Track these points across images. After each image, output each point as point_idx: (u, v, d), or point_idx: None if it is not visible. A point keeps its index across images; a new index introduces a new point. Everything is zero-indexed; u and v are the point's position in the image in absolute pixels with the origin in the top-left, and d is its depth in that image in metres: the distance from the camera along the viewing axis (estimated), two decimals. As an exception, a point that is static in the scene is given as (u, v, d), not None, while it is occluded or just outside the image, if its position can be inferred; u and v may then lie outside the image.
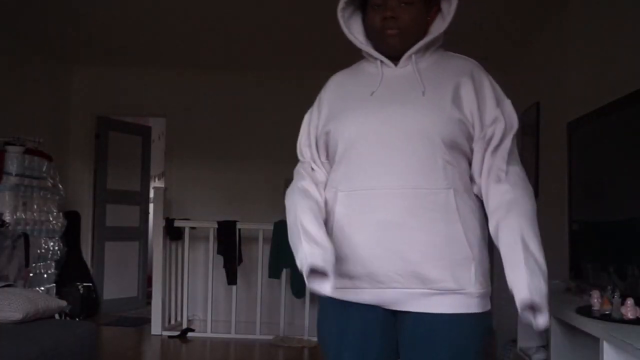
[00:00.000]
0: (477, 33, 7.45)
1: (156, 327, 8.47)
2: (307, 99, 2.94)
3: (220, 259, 8.47)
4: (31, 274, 7.16)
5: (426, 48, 2.49)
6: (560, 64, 6.64)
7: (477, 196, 2.45)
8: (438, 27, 2.50)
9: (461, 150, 2.39)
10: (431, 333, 2.35)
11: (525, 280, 2.32)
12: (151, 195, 10.43)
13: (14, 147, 7.18)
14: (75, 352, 4.91)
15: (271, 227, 8.25)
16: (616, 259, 4.38)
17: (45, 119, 9.02)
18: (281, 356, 7.61)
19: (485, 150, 2.41)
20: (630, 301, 3.80)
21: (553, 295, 5.19)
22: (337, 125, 2.46)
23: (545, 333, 5.01)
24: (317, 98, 2.65)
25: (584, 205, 5.07)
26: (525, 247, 2.33)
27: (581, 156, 5.17)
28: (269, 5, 7.00)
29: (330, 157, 2.53)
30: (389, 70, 2.49)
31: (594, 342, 3.75)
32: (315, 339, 7.43)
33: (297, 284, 8.05)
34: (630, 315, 3.75)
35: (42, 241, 7.55)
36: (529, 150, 7.40)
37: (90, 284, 9.38)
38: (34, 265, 7.27)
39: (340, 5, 2.54)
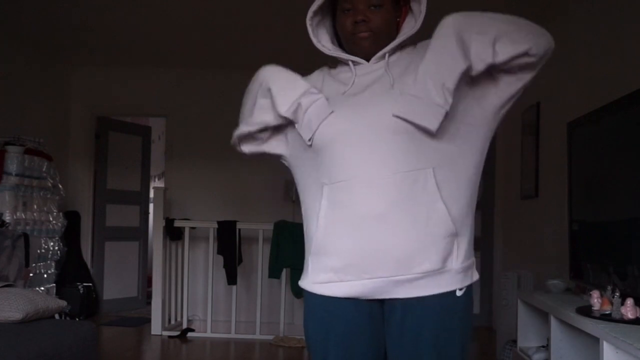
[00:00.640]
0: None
1: (156, 327, 8.47)
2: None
3: (220, 259, 8.47)
4: (31, 274, 7.17)
5: (399, 48, 2.49)
6: (560, 64, 6.64)
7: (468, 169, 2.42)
8: (410, 27, 2.50)
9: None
10: (419, 317, 2.35)
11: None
12: (151, 195, 10.43)
13: (14, 147, 7.18)
14: (75, 352, 4.90)
15: (271, 227, 8.25)
16: (616, 259, 4.38)
17: (45, 119, 9.03)
18: (281, 356, 7.61)
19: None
20: (630, 301, 3.80)
21: (553, 295, 5.20)
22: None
23: (546, 333, 5.02)
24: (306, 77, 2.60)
25: (584, 205, 5.07)
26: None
27: (581, 156, 5.16)
28: (271, 5, 7.01)
29: (292, 144, 2.57)
30: (361, 68, 2.48)
31: (594, 342, 3.75)
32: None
33: (297, 284, 8.04)
34: (630, 315, 3.75)
35: (42, 241, 7.55)
36: (529, 150, 7.40)
37: (90, 284, 9.39)
38: (34, 265, 7.27)
39: (309, 15, 2.54)
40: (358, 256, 2.33)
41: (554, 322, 4.60)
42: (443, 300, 2.35)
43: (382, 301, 2.41)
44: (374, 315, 2.43)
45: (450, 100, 2.22)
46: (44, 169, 7.60)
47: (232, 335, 8.44)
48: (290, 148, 2.60)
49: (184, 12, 7.29)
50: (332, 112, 2.37)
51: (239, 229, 8.46)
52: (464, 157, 2.38)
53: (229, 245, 8.40)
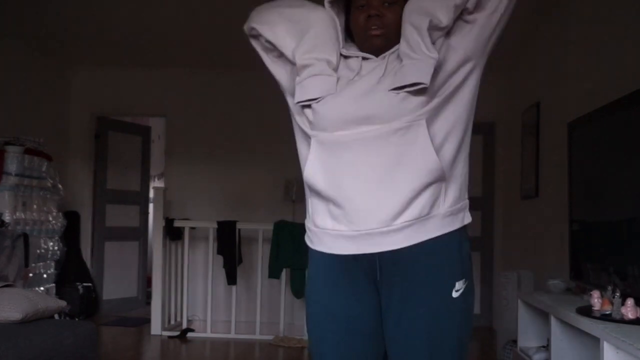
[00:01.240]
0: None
1: (156, 327, 8.47)
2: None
3: (220, 259, 8.47)
4: (31, 274, 7.16)
5: None
6: (561, 64, 6.64)
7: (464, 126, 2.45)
8: None
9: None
10: (408, 267, 2.36)
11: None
12: (151, 195, 10.44)
13: (14, 147, 7.17)
14: (75, 352, 4.91)
15: (271, 227, 8.25)
16: (616, 259, 4.38)
17: (45, 119, 9.03)
18: (281, 356, 7.61)
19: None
20: (630, 301, 3.80)
21: (553, 295, 5.20)
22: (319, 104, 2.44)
23: (546, 333, 5.02)
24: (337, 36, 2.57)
25: (584, 205, 5.07)
26: None
27: (581, 156, 5.17)
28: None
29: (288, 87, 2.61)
30: (368, 62, 2.47)
31: (594, 342, 3.75)
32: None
33: (297, 284, 8.06)
34: (630, 315, 3.75)
35: (42, 241, 7.55)
36: (529, 150, 7.41)
37: (90, 284, 9.39)
38: (33, 265, 7.27)
39: (327, 5, 2.53)
40: (351, 206, 2.35)
41: (554, 322, 4.61)
42: (431, 245, 2.36)
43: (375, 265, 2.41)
44: (369, 294, 2.44)
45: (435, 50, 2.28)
46: (43, 169, 7.60)
47: (232, 336, 8.43)
48: (289, 82, 2.61)
49: (184, 12, 7.29)
50: (332, 94, 2.38)
51: (239, 229, 8.46)
52: (455, 104, 2.41)
53: (229, 245, 8.40)
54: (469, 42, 2.42)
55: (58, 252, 7.92)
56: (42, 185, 7.59)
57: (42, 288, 7.33)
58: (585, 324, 3.87)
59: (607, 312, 3.93)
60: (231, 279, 8.40)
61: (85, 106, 9.88)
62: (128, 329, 8.84)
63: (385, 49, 2.45)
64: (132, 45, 8.75)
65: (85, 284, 9.18)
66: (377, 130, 2.31)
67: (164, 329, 8.49)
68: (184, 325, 8.66)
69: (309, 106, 2.44)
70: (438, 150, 2.32)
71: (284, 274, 8.28)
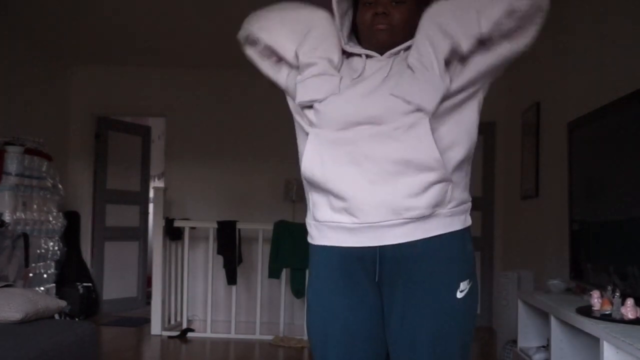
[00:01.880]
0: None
1: (156, 327, 8.47)
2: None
3: (220, 259, 8.47)
4: (31, 274, 7.17)
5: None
6: (561, 64, 6.64)
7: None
8: None
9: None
10: (411, 267, 2.34)
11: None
12: (151, 195, 10.44)
13: (14, 147, 7.17)
14: (75, 352, 4.91)
15: (271, 227, 8.25)
16: (616, 259, 4.38)
17: (45, 119, 9.03)
18: (281, 356, 7.61)
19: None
20: (630, 301, 3.80)
21: (553, 295, 5.21)
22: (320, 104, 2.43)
23: (546, 333, 5.02)
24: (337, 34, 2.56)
25: (584, 205, 5.08)
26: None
27: (581, 156, 5.17)
28: (274, 3, 7.01)
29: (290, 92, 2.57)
30: (372, 62, 2.47)
31: (594, 342, 3.75)
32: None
33: (297, 284, 8.06)
34: (630, 315, 3.75)
35: (42, 241, 7.55)
36: (529, 150, 7.41)
37: (90, 284, 9.39)
38: (33, 265, 7.27)
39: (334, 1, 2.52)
40: (353, 199, 2.34)
41: (554, 322, 4.61)
42: (433, 243, 2.36)
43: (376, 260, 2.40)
44: (371, 292, 2.43)
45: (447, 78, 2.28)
46: (43, 169, 7.60)
47: (232, 336, 8.43)
48: (289, 85, 2.60)
49: (185, 11, 7.29)
50: (335, 94, 2.38)
51: (239, 229, 8.46)
52: (461, 115, 2.41)
53: (229, 245, 8.40)
54: (481, 67, 2.43)
55: (58, 252, 7.92)
56: (42, 185, 7.59)
57: (42, 288, 7.33)
58: (585, 324, 3.87)
59: (607, 312, 3.93)
60: (231, 279, 8.40)
61: (86, 106, 9.88)
62: (128, 329, 8.84)
63: (391, 45, 2.45)
64: (132, 45, 8.76)
65: (85, 284, 9.18)
66: (379, 129, 2.31)
67: (164, 329, 8.49)
68: (184, 325, 8.66)
69: (310, 106, 2.44)
70: (442, 153, 2.31)
71: (284, 274, 8.28)
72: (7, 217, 6.92)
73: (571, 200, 5.31)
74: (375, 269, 2.40)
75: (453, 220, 2.40)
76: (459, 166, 2.39)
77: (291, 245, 7.97)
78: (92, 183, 10.05)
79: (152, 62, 9.48)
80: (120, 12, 7.37)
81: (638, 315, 3.76)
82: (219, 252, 8.48)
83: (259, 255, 8.48)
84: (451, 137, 2.36)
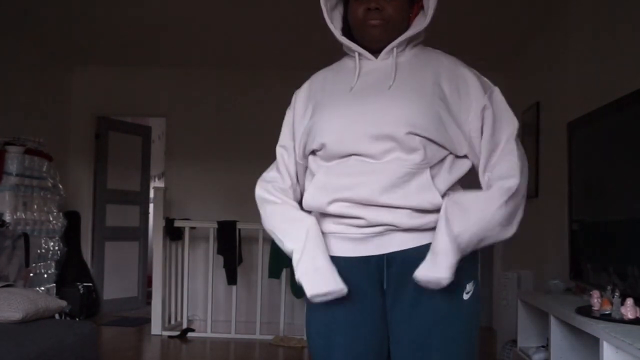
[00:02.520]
0: (477, 33, 7.46)
1: (156, 327, 8.47)
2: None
3: (220, 259, 8.47)
4: (31, 274, 7.17)
5: (407, 42, 2.48)
6: (560, 64, 6.64)
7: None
8: (420, 22, 2.49)
9: (441, 145, 2.36)
10: (416, 267, 2.30)
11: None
12: (151, 195, 10.43)
13: (14, 147, 7.17)
14: (76, 352, 4.91)
15: (271, 227, 8.23)
16: (616, 259, 4.38)
17: (45, 119, 9.03)
18: (281, 356, 7.61)
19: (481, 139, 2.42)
20: (630, 301, 3.80)
21: (553, 295, 5.21)
22: (317, 123, 2.44)
23: (546, 333, 5.02)
24: (293, 97, 2.65)
25: (584, 205, 5.08)
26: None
27: (581, 156, 5.17)
28: (271, 4, 7.01)
29: (307, 152, 2.53)
30: (368, 63, 2.48)
31: (594, 342, 3.75)
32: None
33: (297, 284, 8.05)
34: (630, 315, 3.75)
35: (42, 241, 7.55)
36: (529, 150, 7.40)
37: (90, 284, 9.39)
38: (34, 265, 7.27)
39: None
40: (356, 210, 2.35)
41: (554, 322, 4.61)
42: (449, 303, 2.34)
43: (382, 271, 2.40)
44: (375, 303, 2.42)
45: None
46: (44, 169, 7.60)
47: (232, 335, 8.43)
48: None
49: (185, 11, 7.29)
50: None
51: (239, 229, 8.47)
52: (458, 151, 2.41)
53: (229, 245, 8.40)
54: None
55: (58, 252, 7.92)
56: (42, 185, 7.59)
57: (42, 288, 7.33)
58: (585, 323, 3.87)
59: (607, 312, 3.93)
60: (231, 279, 8.41)
61: (86, 106, 9.88)
62: (128, 329, 8.84)
63: (385, 41, 2.45)
64: (132, 45, 8.75)
65: (85, 284, 9.17)
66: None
67: (164, 328, 8.49)
68: (184, 325, 8.66)
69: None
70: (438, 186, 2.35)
71: (284, 273, 8.28)
72: (7, 217, 6.92)
73: (571, 201, 5.31)
74: (382, 275, 2.38)
75: None
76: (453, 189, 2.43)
77: (291, 245, 7.96)
78: (93, 183, 10.05)
79: (153, 62, 9.47)
80: (121, 11, 7.37)
81: (638, 315, 3.76)
82: (219, 252, 8.48)
83: (259, 255, 8.48)
84: (446, 175, 2.41)
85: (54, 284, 7.87)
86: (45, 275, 7.61)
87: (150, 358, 7.58)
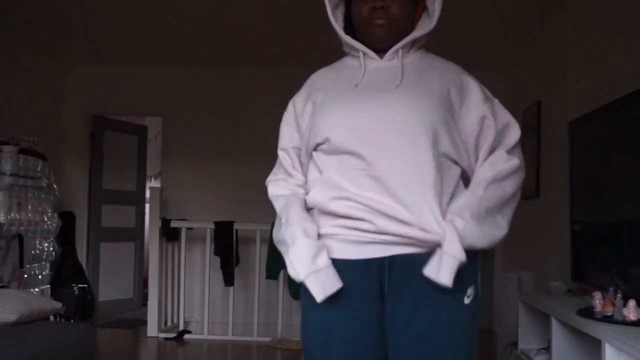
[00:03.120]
0: (477, 32, 7.45)
1: (152, 329, 8.47)
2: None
3: (217, 260, 8.47)
4: (25, 275, 7.16)
5: (412, 44, 2.49)
6: (562, 63, 6.64)
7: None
8: (425, 24, 2.50)
9: (446, 154, 2.37)
10: (418, 270, 2.30)
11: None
12: (147, 195, 10.44)
13: (9, 146, 7.17)
14: (71, 354, 4.90)
15: (269, 228, 8.22)
16: (618, 260, 4.38)
17: (39, 118, 9.02)
18: (279, 358, 7.61)
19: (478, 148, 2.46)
20: (632, 303, 3.80)
21: (554, 296, 5.20)
22: (321, 118, 2.44)
23: (547, 335, 5.02)
24: (292, 102, 2.64)
25: (586, 205, 5.07)
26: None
27: (583, 156, 5.16)
28: (270, 3, 7.00)
29: (310, 149, 2.51)
30: (373, 62, 2.48)
31: (596, 344, 3.75)
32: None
33: (295, 285, 8.04)
34: (632, 317, 3.75)
35: (37, 242, 7.55)
36: (530, 150, 7.40)
37: (86, 285, 9.38)
38: (28, 266, 7.26)
39: None
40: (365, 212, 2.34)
41: (555, 324, 4.60)
42: (450, 307, 2.34)
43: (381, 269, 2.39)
44: (373, 309, 2.40)
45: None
46: (38, 169, 7.59)
47: (229, 337, 8.43)
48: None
49: (181, 9, 7.28)
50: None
51: (236, 230, 8.47)
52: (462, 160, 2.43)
53: (226, 246, 8.40)
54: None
55: (53, 253, 7.92)
56: (37, 185, 7.58)
57: (37, 289, 7.33)
58: (587, 325, 3.87)
59: (609, 314, 3.93)
60: (228, 280, 8.41)
61: (81, 105, 9.87)
62: (124, 331, 8.84)
63: (390, 41, 2.45)
64: (128, 43, 8.74)
65: (80, 285, 9.17)
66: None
67: (160, 330, 8.49)
68: (181, 327, 8.66)
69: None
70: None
71: (281, 275, 8.27)
72: (1, 218, 6.92)
73: (572, 201, 5.31)
74: (382, 278, 2.37)
75: None
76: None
77: (289, 246, 7.95)
78: (88, 183, 10.04)
79: (149, 60, 9.46)
80: (116, 9, 7.36)
81: (640, 316, 3.76)
82: (216, 253, 8.49)
83: (257, 256, 8.48)
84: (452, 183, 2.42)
85: (49, 286, 7.86)
86: (40, 277, 7.61)
87: (146, 360, 7.59)
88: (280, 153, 2.68)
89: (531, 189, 7.33)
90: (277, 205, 2.60)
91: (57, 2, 7.17)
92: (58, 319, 7.16)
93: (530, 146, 7.39)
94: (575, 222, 5.24)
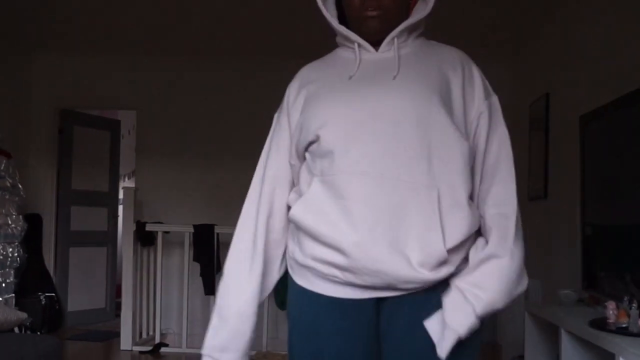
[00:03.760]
0: (480, 18, 7.46)
1: (126, 342, 8.45)
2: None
3: (196, 267, 8.46)
4: (-13, 284, 7.15)
5: (409, 32, 2.49)
6: (572, 52, 6.64)
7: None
8: (420, 10, 2.50)
9: (449, 143, 2.35)
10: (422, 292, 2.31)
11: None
12: (120, 196, 10.42)
13: (-31, 143, 7.16)
14: (37, 369, 4.89)
15: (253, 232, 8.23)
16: (633, 266, 4.38)
17: (3, 112, 8.99)
18: (264, 374, 7.61)
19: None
20: (649, 313, 3.81)
21: (564, 306, 5.21)
22: (311, 113, 2.43)
23: (556, 348, 5.02)
24: (286, 96, 2.62)
25: (598, 207, 5.08)
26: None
27: (595, 153, 5.17)
28: None
29: (300, 150, 2.50)
30: (368, 55, 2.48)
31: (609, 358, 3.75)
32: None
33: (281, 295, 8.03)
34: (649, 328, 3.76)
35: (0, 247, 7.53)
36: (537, 146, 7.41)
37: (53, 294, 9.36)
38: (-10, 273, 7.26)
39: None
40: (358, 258, 2.29)
41: (564, 337, 4.61)
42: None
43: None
44: (367, 329, 2.40)
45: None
46: (2, 168, 7.59)
47: (210, 351, 8.41)
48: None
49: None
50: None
51: (218, 234, 8.45)
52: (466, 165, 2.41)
53: (207, 252, 8.39)
54: None
55: (18, 258, 7.91)
56: (0, 185, 7.57)
57: (0, 299, 7.32)
58: (599, 338, 3.87)
59: (624, 325, 3.93)
60: (209, 289, 8.39)
61: (48, 98, 9.84)
62: (95, 344, 8.83)
63: (383, 32, 2.45)
64: (99, 31, 8.71)
65: (48, 294, 9.15)
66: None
67: (134, 343, 8.47)
68: (157, 340, 8.64)
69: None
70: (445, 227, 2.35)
71: (267, 283, 8.25)
72: (-40, 220, 6.90)
73: (584, 202, 5.32)
74: (377, 315, 2.39)
75: None
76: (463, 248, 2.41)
77: (275, 252, 7.95)
78: (56, 183, 10.02)
79: (122, 49, 9.42)
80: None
81: (657, 328, 3.77)
82: (195, 259, 8.48)
83: (240, 263, 8.47)
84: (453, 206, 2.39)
85: (13, 294, 7.85)
86: (4, 285, 7.59)
87: (119, 376, 7.58)
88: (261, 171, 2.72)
89: (538, 189, 7.34)
90: (229, 252, 2.68)
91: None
92: (23, 331, 7.16)
93: (538, 142, 7.40)
94: (587, 225, 5.25)
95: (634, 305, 3.93)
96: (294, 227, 2.50)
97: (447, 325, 2.25)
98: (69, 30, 8.72)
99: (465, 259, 2.36)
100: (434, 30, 2.60)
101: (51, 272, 9.75)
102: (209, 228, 8.42)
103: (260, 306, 6.91)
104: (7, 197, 7.76)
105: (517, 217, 2.38)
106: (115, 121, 11.24)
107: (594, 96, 5.60)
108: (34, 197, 9.50)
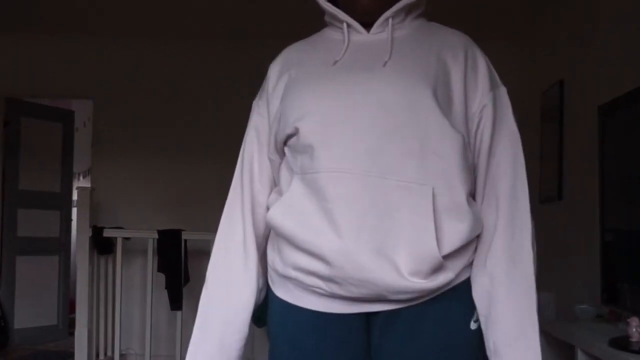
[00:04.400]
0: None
1: (81, 364, 8.44)
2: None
3: (161, 278, 8.44)
4: None
5: (406, 12, 2.47)
6: (590, 34, 6.65)
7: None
8: None
9: (445, 138, 2.33)
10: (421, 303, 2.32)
11: None
12: (74, 197, 10.40)
13: None
14: (-24, 396, 4.88)
15: (226, 238, 8.22)
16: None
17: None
18: (238, 400, 7.58)
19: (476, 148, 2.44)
20: (677, 331, 3.80)
21: (580, 323, 5.21)
22: (291, 102, 2.43)
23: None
24: (266, 79, 2.62)
25: (620, 210, 5.08)
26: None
27: (616, 148, 5.17)
28: None
29: (279, 143, 2.50)
30: (358, 36, 2.47)
31: (632, 382, 3.75)
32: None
33: (258, 310, 8.02)
34: (677, 348, 3.75)
35: None
36: (550, 139, 7.42)
37: (-2, 310, 9.36)
38: None
39: None
40: (342, 266, 2.29)
41: (581, 357, 4.61)
42: (453, 334, 2.35)
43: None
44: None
45: None
46: (-63, 164, 7.57)
47: (177, 375, 8.43)
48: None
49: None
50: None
51: (185, 240, 8.44)
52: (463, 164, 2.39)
53: (173, 261, 8.37)
54: None
55: (-44, 269, 7.89)
56: None
57: None
58: (621, 358, 3.87)
59: (649, 345, 3.93)
60: (175, 304, 8.38)
61: (-9, 85, 9.84)
62: (45, 367, 8.82)
63: (376, 12, 2.43)
64: (49, 10, 8.69)
65: (-9, 310, 9.15)
66: None
67: (91, 366, 8.47)
68: (116, 362, 8.65)
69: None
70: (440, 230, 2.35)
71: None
72: None
73: (603, 204, 5.32)
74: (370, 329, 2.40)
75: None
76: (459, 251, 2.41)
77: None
78: (0, 182, 10.00)
79: (77, 30, 9.40)
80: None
81: (686, 348, 3.76)
82: (160, 270, 8.46)
83: (211, 274, 8.46)
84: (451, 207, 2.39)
85: (-49, 310, 7.84)
86: (-61, 299, 7.58)
87: (72, 403, 7.56)
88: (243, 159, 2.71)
89: (552, 190, 7.35)
90: (213, 257, 2.81)
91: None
92: (-38, 352, 7.14)
93: (551, 135, 7.40)
94: (607, 230, 5.25)
95: (660, 322, 3.93)
96: (273, 233, 2.51)
97: None
98: (16, 9, 8.69)
99: (470, 265, 2.36)
100: (436, 11, 2.58)
101: (-5, 285, 9.75)
102: (176, 234, 8.40)
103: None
104: (-57, 198, 7.75)
105: (533, 253, 2.39)
106: (68, 112, 11.23)
107: (614, 84, 5.61)
108: (-25, 199, 9.49)
